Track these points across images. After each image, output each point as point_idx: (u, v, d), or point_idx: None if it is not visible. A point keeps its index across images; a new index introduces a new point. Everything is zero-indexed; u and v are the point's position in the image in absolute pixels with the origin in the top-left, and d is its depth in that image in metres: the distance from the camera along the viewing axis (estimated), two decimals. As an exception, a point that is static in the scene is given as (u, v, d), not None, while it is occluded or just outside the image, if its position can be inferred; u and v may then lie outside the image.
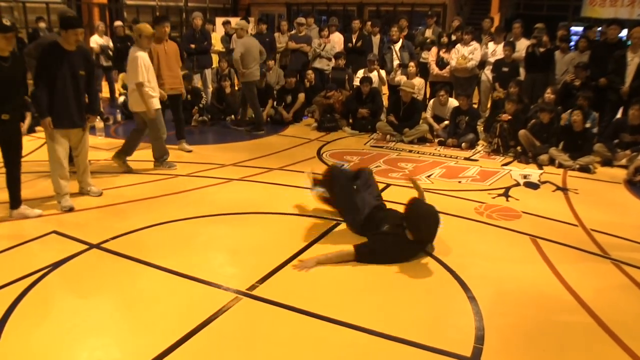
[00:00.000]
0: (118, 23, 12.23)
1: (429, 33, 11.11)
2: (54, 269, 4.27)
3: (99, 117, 8.94)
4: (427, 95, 10.57)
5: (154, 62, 7.32)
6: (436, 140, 8.86)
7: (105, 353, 3.30)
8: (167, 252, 4.62)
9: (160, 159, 7.09)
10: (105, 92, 11.91)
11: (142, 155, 7.27)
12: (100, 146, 8.19)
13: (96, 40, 11.79)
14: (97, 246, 4.70)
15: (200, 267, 4.35)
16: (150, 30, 6.74)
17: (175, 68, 7.70)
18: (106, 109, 10.38)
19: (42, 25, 12.25)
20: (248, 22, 11.79)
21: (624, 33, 10.33)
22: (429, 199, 6.02)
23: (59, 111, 5.38)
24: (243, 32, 9.15)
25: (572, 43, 10.36)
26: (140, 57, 6.56)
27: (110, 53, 11.78)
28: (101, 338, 3.44)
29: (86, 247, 4.68)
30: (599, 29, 10.43)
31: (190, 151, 7.97)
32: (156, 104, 6.83)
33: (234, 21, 12.34)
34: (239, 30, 9.20)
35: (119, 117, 10.15)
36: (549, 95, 8.28)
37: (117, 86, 11.61)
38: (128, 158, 7.04)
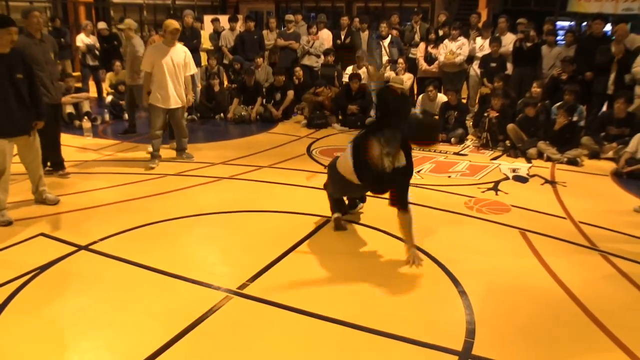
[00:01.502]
0: (102, 25, 12.17)
1: (417, 35, 11.07)
2: (42, 272, 4.23)
3: (86, 117, 8.93)
4: (415, 91, 10.58)
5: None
6: (425, 136, 8.86)
7: (96, 355, 3.28)
8: (156, 252, 4.60)
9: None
10: (92, 92, 11.83)
11: (136, 155, 7.24)
12: (88, 147, 8.14)
13: (82, 40, 11.72)
14: (86, 248, 4.66)
15: (190, 266, 4.33)
16: (174, 26, 6.89)
17: None
18: (94, 109, 10.31)
19: None
20: (236, 19, 11.75)
21: (608, 27, 10.40)
22: (419, 194, 6.06)
23: (1, 119, 5.02)
24: (131, 32, 8.50)
25: (560, 37, 10.42)
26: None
27: (97, 52, 11.72)
28: (91, 340, 3.42)
29: (75, 248, 4.64)
30: (584, 23, 10.52)
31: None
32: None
33: (223, 19, 12.31)
34: (127, 31, 8.50)
35: (106, 117, 10.08)
36: (535, 89, 8.32)
37: (105, 86, 11.54)
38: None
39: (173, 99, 7.01)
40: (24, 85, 5.15)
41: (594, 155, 7.68)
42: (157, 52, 6.92)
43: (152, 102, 7.02)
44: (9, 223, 5.18)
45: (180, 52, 7.00)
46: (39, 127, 5.43)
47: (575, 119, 7.93)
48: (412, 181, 6.49)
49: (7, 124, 5.08)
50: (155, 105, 7.01)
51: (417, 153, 7.87)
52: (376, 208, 5.60)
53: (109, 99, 10.49)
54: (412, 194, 6.01)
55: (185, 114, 9.78)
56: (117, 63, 10.84)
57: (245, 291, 3.97)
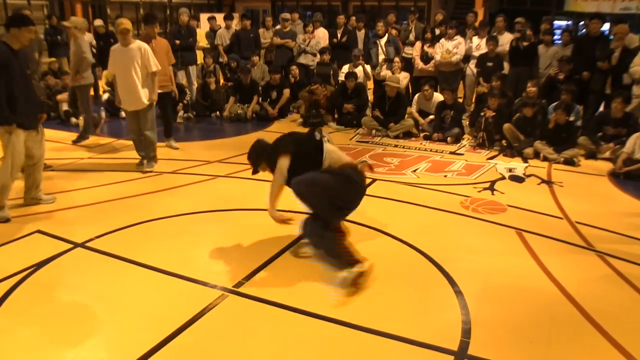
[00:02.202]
0: (98, 22, 12.12)
1: (412, 33, 11.04)
2: (38, 269, 4.23)
3: (82, 116, 8.89)
4: (411, 90, 10.58)
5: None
6: (422, 135, 8.88)
7: (91, 352, 3.27)
8: (152, 250, 4.59)
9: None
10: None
11: (133, 153, 7.22)
12: (84, 144, 8.13)
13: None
14: (82, 245, 4.66)
15: (186, 264, 4.32)
16: (124, 26, 6.50)
17: (164, 66, 7.49)
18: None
19: None
20: (232, 17, 11.73)
21: (606, 27, 10.41)
22: (415, 193, 6.06)
23: (21, 112, 5.10)
24: (78, 31, 7.86)
25: (557, 37, 10.43)
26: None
27: (94, 50, 11.68)
28: (87, 337, 3.41)
29: (71, 246, 4.64)
30: (581, 23, 10.53)
31: (177, 148, 7.93)
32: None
33: (219, 17, 12.28)
34: (73, 30, 7.87)
35: (102, 114, 10.05)
36: (530, 88, 8.32)
37: (101, 83, 11.51)
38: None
39: (130, 102, 6.68)
40: (30, 79, 5.36)
41: (591, 155, 7.68)
42: (114, 55, 6.69)
43: (119, 104, 7.01)
44: (7, 220, 5.19)
45: (135, 51, 6.57)
46: (42, 120, 5.52)
47: (572, 118, 7.94)
48: (408, 180, 6.53)
49: (26, 117, 5.20)
50: (123, 108, 6.98)
51: (412, 152, 7.88)
52: (372, 208, 5.61)
53: (105, 96, 10.47)
54: (409, 193, 6.05)
55: (181, 112, 9.82)
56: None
57: (241, 289, 3.96)
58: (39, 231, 4.95)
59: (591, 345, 3.40)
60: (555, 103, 8.11)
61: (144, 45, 6.70)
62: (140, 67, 6.64)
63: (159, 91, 7.44)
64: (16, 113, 5.05)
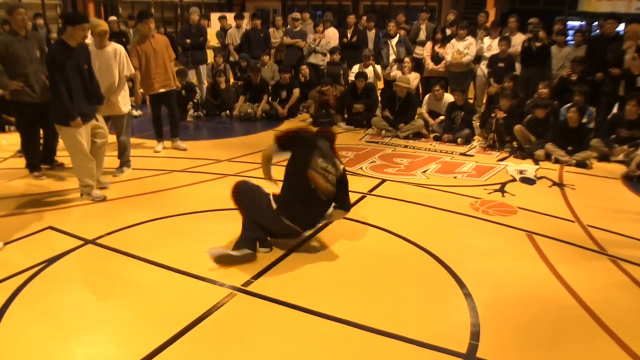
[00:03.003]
0: (112, 18, 12.15)
1: (422, 32, 11.01)
2: (49, 265, 4.25)
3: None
4: (421, 91, 10.55)
5: (141, 63, 7.21)
6: (431, 136, 8.84)
7: (101, 348, 3.28)
8: (162, 247, 4.60)
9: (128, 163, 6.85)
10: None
11: (138, 151, 7.23)
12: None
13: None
14: (93, 242, 4.68)
15: (195, 262, 4.32)
16: (102, 27, 6.33)
17: (165, 64, 7.41)
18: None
19: (40, 21, 12.17)
20: (242, 17, 11.74)
21: (621, 27, 10.30)
22: (425, 194, 6.03)
23: (78, 107, 5.39)
24: None
25: (570, 37, 10.35)
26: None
27: None
28: (97, 334, 3.42)
29: (81, 242, 4.66)
30: (595, 23, 10.43)
31: (185, 149, 7.86)
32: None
33: (230, 16, 12.29)
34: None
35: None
36: (542, 90, 8.26)
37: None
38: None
39: (105, 106, 6.22)
40: (87, 74, 5.56)
41: (604, 157, 7.60)
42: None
43: None
44: (104, 198, 5.68)
45: (110, 53, 6.37)
46: (98, 111, 5.80)
47: (584, 120, 7.87)
48: (417, 181, 6.51)
49: (82, 111, 5.44)
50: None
51: (422, 153, 7.85)
52: (382, 208, 5.60)
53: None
54: (418, 194, 6.03)
55: (191, 111, 9.83)
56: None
57: (250, 288, 3.96)
58: (50, 227, 4.98)
59: (602, 351, 3.36)
60: (567, 105, 8.04)
61: (120, 47, 6.55)
62: (118, 71, 6.42)
63: (162, 90, 7.44)
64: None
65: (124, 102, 6.54)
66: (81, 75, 5.45)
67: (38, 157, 6.48)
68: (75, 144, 5.48)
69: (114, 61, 6.38)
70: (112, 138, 6.43)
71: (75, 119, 5.33)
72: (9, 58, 5.89)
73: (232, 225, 5.08)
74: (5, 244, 4.59)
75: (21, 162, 6.65)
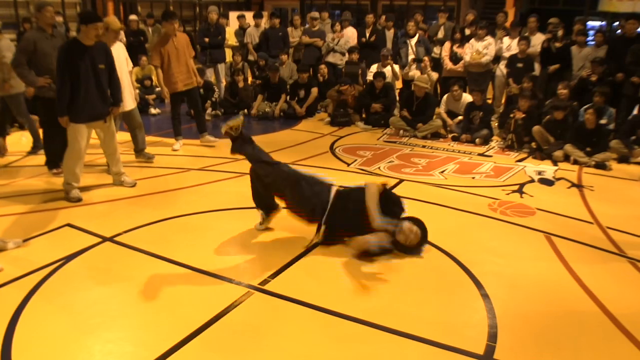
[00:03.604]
0: (133, 17, 12.26)
1: (441, 32, 10.96)
2: (67, 262, 4.30)
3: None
4: (439, 91, 10.50)
5: (164, 61, 7.32)
6: (450, 136, 8.80)
7: (117, 346, 3.31)
8: (179, 245, 4.63)
9: (143, 150, 7.12)
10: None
11: (156, 149, 7.29)
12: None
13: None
14: (110, 239, 4.72)
15: (212, 261, 4.36)
16: (117, 25, 6.44)
17: (187, 62, 7.57)
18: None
19: (59, 19, 12.30)
20: (261, 16, 11.77)
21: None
22: (443, 194, 6.01)
23: (82, 105, 5.45)
24: None
25: (590, 38, 10.23)
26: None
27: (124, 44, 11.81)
28: (113, 331, 3.45)
29: (99, 240, 4.71)
30: (616, 23, 10.28)
31: (214, 144, 7.97)
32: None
33: (249, 15, 12.33)
34: None
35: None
36: (561, 90, 8.19)
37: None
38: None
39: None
40: (105, 74, 5.59)
41: (624, 159, 7.52)
42: None
43: None
44: (79, 200, 5.61)
45: (119, 51, 6.48)
46: (115, 114, 5.92)
47: (604, 121, 7.79)
48: (435, 181, 6.49)
49: (87, 110, 5.51)
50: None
51: (440, 153, 7.82)
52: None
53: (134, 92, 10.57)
54: (436, 195, 6.01)
55: (209, 109, 9.89)
56: (144, 57, 10.95)
57: (267, 287, 3.97)
58: (68, 224, 5.03)
59: (620, 353, 3.33)
60: (586, 105, 7.96)
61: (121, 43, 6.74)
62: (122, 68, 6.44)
63: (185, 89, 7.54)
64: (78, 106, 5.41)
65: (131, 97, 6.74)
66: (95, 74, 5.48)
67: (59, 154, 6.54)
68: (71, 141, 5.55)
69: (123, 59, 6.60)
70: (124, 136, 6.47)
71: (63, 117, 5.41)
72: (37, 54, 5.96)
73: (249, 223, 5.12)
74: (24, 240, 4.65)
75: (40, 159, 6.72)
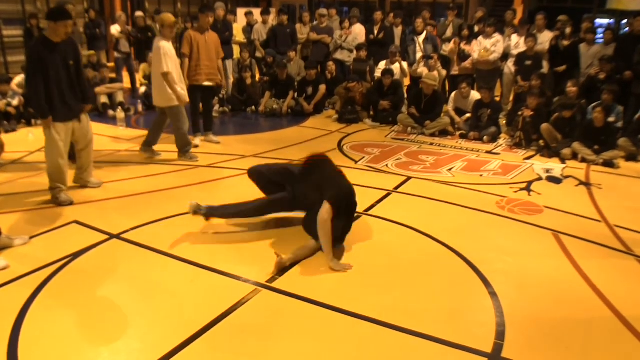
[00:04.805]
0: (139, 14, 12.27)
1: (449, 29, 10.91)
2: (74, 259, 4.31)
3: (120, 108, 9.04)
4: (447, 88, 10.47)
5: (193, 51, 7.40)
6: (458, 133, 8.78)
7: (124, 343, 3.32)
8: (186, 243, 4.64)
9: (184, 149, 7.10)
10: (126, 83, 11.96)
11: (166, 146, 7.30)
12: (121, 137, 8.26)
13: (117, 29, 11.87)
14: (118, 236, 4.73)
15: (219, 258, 4.36)
16: (171, 20, 6.69)
17: (214, 59, 7.66)
18: (127, 100, 10.45)
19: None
20: (269, 12, 11.76)
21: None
22: (450, 192, 6.00)
23: (57, 103, 5.28)
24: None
25: (599, 36, 10.17)
26: (163, 47, 6.58)
27: (132, 38, 11.85)
28: (121, 328, 3.46)
29: (107, 237, 4.71)
30: (624, 21, 10.22)
31: (218, 143, 7.99)
32: (184, 95, 6.87)
33: (257, 12, 12.32)
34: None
35: (140, 107, 10.19)
36: (570, 88, 8.15)
37: (138, 77, 11.67)
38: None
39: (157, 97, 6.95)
40: (74, 70, 5.42)
41: (632, 157, 7.49)
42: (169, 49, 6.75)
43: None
44: (71, 202, 5.46)
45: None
46: (87, 110, 5.73)
47: (612, 119, 7.75)
48: (443, 179, 6.48)
49: (64, 109, 5.35)
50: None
51: (448, 151, 7.81)
52: (407, 206, 5.58)
53: (142, 89, 10.62)
54: (444, 192, 6.00)
55: (217, 106, 9.90)
56: (151, 54, 10.94)
57: (274, 285, 3.98)
58: (76, 221, 5.04)
59: (629, 352, 3.32)
60: (595, 103, 7.92)
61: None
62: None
63: (206, 84, 7.67)
64: (53, 106, 5.24)
65: (163, 97, 6.81)
66: (67, 71, 5.32)
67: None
68: (50, 142, 5.38)
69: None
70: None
71: (46, 118, 5.23)
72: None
73: (256, 221, 5.12)
74: (31, 237, 4.65)
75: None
